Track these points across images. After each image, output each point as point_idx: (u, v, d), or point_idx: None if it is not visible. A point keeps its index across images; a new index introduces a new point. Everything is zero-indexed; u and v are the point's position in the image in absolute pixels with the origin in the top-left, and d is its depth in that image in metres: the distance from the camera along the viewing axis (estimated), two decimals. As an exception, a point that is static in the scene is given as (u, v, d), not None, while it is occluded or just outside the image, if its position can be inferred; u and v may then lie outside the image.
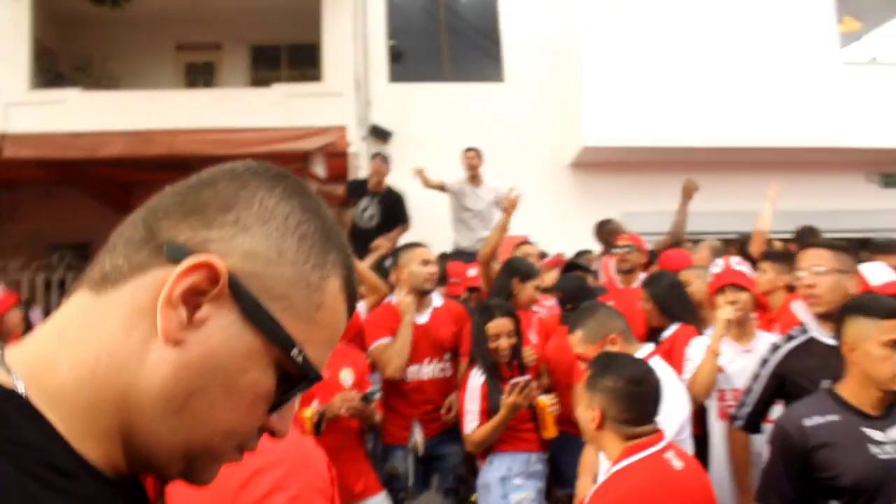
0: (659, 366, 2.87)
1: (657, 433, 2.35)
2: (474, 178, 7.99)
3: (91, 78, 11.80)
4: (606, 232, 6.57)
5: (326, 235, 0.79)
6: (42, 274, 8.33)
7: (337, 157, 8.07)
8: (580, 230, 8.14)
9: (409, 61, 11.48)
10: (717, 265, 4.00)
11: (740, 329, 3.88)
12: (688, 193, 6.22)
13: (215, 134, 7.41)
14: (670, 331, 4.09)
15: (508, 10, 11.42)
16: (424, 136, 9.87)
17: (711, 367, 3.59)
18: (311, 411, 3.16)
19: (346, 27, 10.57)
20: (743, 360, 3.72)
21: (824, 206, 9.81)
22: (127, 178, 9.66)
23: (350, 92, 10.12)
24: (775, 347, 3.28)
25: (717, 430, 3.87)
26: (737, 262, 4.01)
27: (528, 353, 4.00)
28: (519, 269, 4.42)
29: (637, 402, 2.35)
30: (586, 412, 2.39)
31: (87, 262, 0.74)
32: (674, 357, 3.76)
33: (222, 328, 0.71)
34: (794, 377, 3.13)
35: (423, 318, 4.21)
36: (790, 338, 3.26)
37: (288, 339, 0.73)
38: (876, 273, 3.45)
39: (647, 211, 9.33)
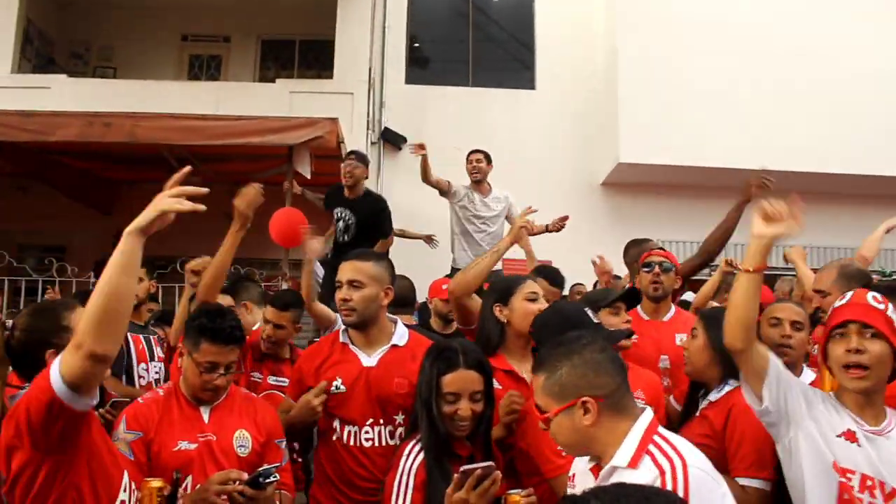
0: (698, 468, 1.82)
1: None
2: (480, 186, 6.79)
3: (87, 66, 11.00)
4: (635, 253, 5.06)
5: None
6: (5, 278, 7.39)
7: (329, 158, 6.98)
8: (610, 258, 7.02)
9: (430, 62, 10.57)
10: (845, 297, 2.43)
11: (868, 403, 2.33)
12: (749, 192, 4.55)
13: (182, 121, 6.36)
14: (723, 391, 2.82)
15: (545, 12, 10.43)
16: (442, 145, 8.72)
17: None
18: (159, 482, 2.08)
19: (363, 22, 9.74)
20: (873, 446, 2.26)
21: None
22: (110, 174, 8.74)
23: (362, 91, 9.24)
24: None
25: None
26: (876, 299, 2.36)
27: (511, 401, 2.75)
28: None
29: None
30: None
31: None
32: (733, 440, 2.67)
33: None
34: None
35: (368, 361, 3.01)
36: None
37: None
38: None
39: (687, 240, 8.43)
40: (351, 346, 3.04)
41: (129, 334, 4.03)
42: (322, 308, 4.43)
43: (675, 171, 9.10)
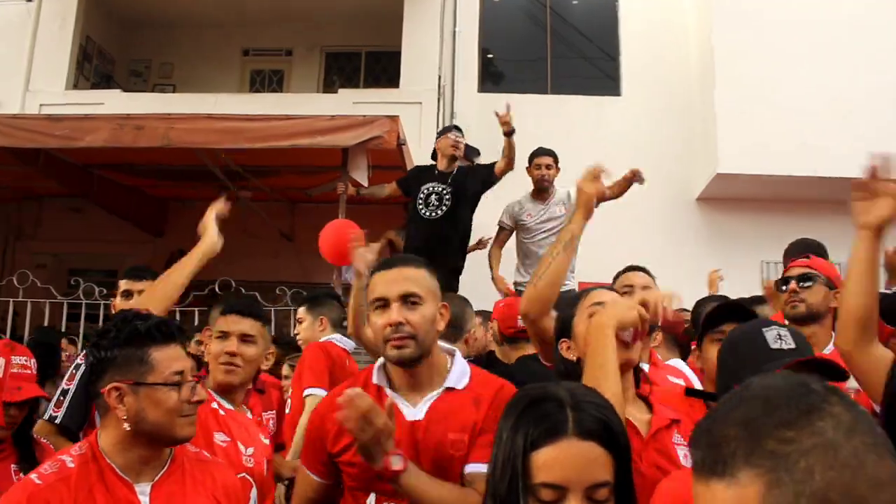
0: None
1: None
2: (541, 194, 6.03)
3: (147, 84, 10.61)
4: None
5: None
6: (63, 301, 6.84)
7: (389, 169, 6.16)
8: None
9: (505, 69, 9.78)
10: None
11: None
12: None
13: (220, 122, 5.59)
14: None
15: (630, 10, 9.52)
16: (520, 157, 8.00)
17: None
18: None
19: (431, 30, 9.09)
20: None
21: None
22: (158, 192, 8.18)
23: (431, 101, 8.53)
24: None
25: None
26: None
27: None
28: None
29: None
30: None
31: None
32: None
33: None
34: None
35: (413, 414, 2.10)
36: None
37: None
38: None
39: (797, 260, 7.40)
40: (389, 391, 2.13)
41: None
42: (369, 336, 3.63)
43: (779, 183, 8.04)
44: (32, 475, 1.73)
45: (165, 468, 1.86)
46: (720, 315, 2.50)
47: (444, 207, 5.71)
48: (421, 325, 2.05)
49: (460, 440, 2.03)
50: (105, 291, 6.34)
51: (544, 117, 8.67)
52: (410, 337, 2.04)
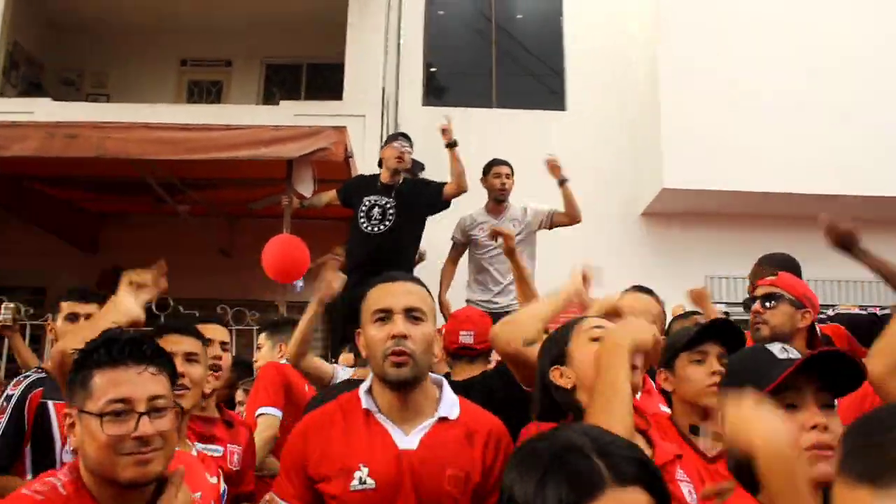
0: None
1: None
2: (497, 206, 5.76)
3: (79, 93, 10.22)
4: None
5: None
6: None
7: (334, 181, 5.92)
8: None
9: (449, 83, 9.69)
10: None
11: None
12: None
13: (158, 131, 5.33)
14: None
15: (575, 25, 9.52)
16: (470, 172, 7.91)
17: None
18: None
19: (376, 42, 8.94)
20: None
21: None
22: (90, 206, 7.82)
23: (375, 114, 8.37)
24: None
25: None
26: None
27: None
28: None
29: None
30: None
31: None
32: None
33: None
34: None
35: (406, 442, 1.95)
36: None
37: None
38: None
39: (741, 276, 7.42)
40: (379, 417, 1.98)
41: (51, 401, 3.00)
42: (318, 363, 3.46)
43: (724, 198, 8.09)
44: (24, 490, 1.50)
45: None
46: (704, 335, 2.42)
47: (387, 222, 5.44)
48: (421, 344, 1.95)
49: (457, 477, 1.90)
50: (32, 311, 6.00)
51: (490, 131, 8.58)
52: (410, 355, 1.92)
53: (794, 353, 1.65)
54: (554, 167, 5.62)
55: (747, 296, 3.84)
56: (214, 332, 2.85)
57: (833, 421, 1.57)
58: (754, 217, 8.20)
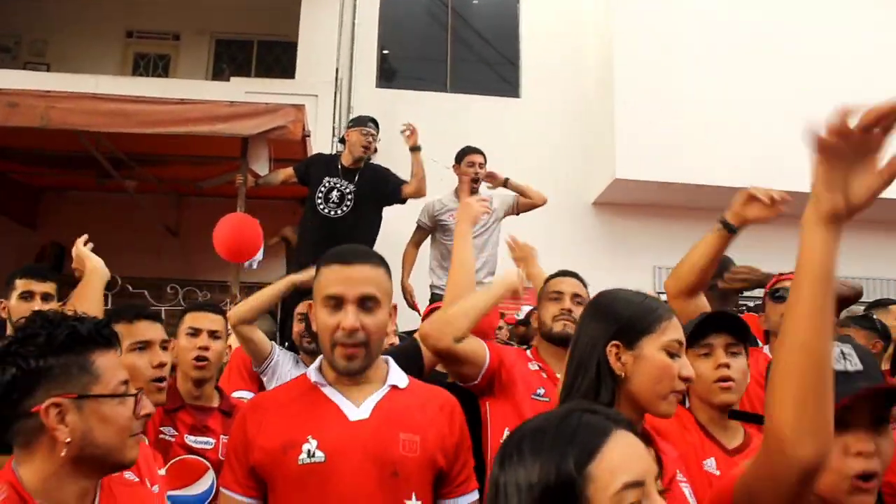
0: None
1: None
2: (467, 193, 5.61)
3: (17, 61, 9.82)
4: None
5: None
6: None
7: (291, 161, 5.81)
8: (603, 284, 6.01)
9: (403, 65, 9.57)
10: None
11: None
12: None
13: (108, 103, 5.11)
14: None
15: (531, 12, 9.49)
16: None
17: None
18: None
19: (330, 22, 8.76)
20: None
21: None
22: (30, 180, 7.51)
23: (327, 94, 8.22)
24: None
25: None
26: None
27: None
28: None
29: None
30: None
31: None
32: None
33: None
34: None
35: (357, 413, 1.86)
36: None
37: None
38: None
39: (688, 266, 7.51)
40: (327, 391, 1.90)
41: None
42: (259, 334, 3.40)
43: (676, 190, 8.17)
44: None
45: (97, 499, 1.56)
46: (706, 326, 2.30)
47: (345, 207, 5.37)
48: (375, 333, 1.86)
49: (412, 441, 1.83)
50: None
51: (443, 116, 8.53)
52: (362, 345, 1.84)
53: (854, 363, 1.51)
54: (491, 178, 5.68)
55: None
56: (203, 321, 2.87)
57: (884, 443, 1.44)
58: (705, 210, 8.23)
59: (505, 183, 5.74)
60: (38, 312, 1.59)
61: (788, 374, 1.21)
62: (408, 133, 5.51)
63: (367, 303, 1.85)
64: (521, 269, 2.88)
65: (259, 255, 5.46)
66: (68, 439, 1.44)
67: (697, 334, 2.26)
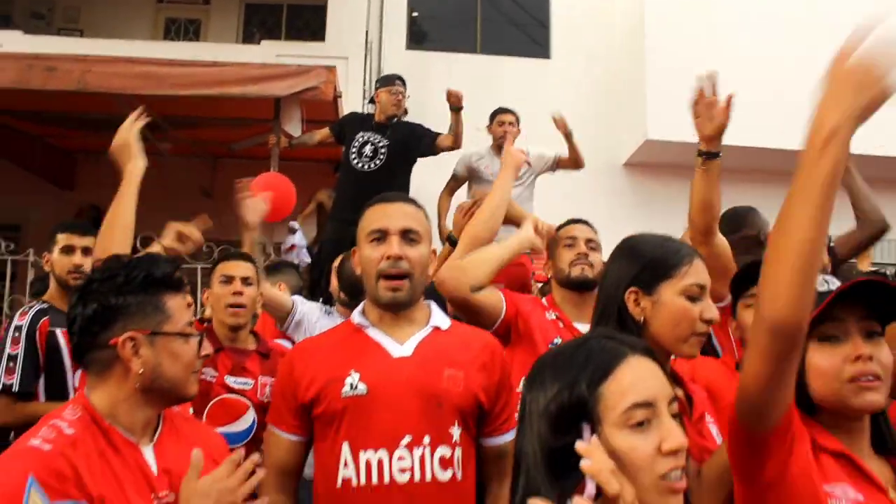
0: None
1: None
2: (511, 143, 5.71)
3: (50, 27, 9.90)
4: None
5: None
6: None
7: (322, 122, 5.85)
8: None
9: (434, 28, 9.53)
10: None
11: None
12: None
13: (143, 66, 5.17)
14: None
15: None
16: (446, 116, 7.86)
17: None
18: None
19: (359, -17, 8.69)
20: None
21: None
22: (66, 143, 7.63)
23: (358, 56, 8.23)
24: None
25: None
26: None
27: None
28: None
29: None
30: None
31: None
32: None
33: None
34: None
35: (401, 350, 1.91)
36: None
37: None
38: None
39: (721, 228, 7.48)
40: (370, 331, 1.96)
41: (59, 329, 3.05)
42: (273, 292, 3.47)
43: (708, 151, 8.08)
44: (34, 441, 1.45)
45: (160, 428, 1.68)
46: (751, 275, 2.01)
47: (378, 160, 5.38)
48: (418, 265, 1.93)
49: (455, 376, 1.89)
50: (13, 247, 5.88)
51: (473, 77, 8.49)
52: (406, 276, 1.90)
53: (833, 284, 1.62)
54: (560, 123, 5.68)
55: None
56: (235, 268, 2.98)
57: (879, 349, 1.49)
58: (736, 171, 8.17)
59: (569, 136, 5.78)
60: (115, 256, 1.73)
61: (782, 259, 1.28)
62: (454, 99, 5.49)
63: (409, 234, 1.93)
64: (548, 225, 2.85)
65: (297, 226, 5.55)
66: (141, 370, 1.57)
67: (745, 285, 2.28)
